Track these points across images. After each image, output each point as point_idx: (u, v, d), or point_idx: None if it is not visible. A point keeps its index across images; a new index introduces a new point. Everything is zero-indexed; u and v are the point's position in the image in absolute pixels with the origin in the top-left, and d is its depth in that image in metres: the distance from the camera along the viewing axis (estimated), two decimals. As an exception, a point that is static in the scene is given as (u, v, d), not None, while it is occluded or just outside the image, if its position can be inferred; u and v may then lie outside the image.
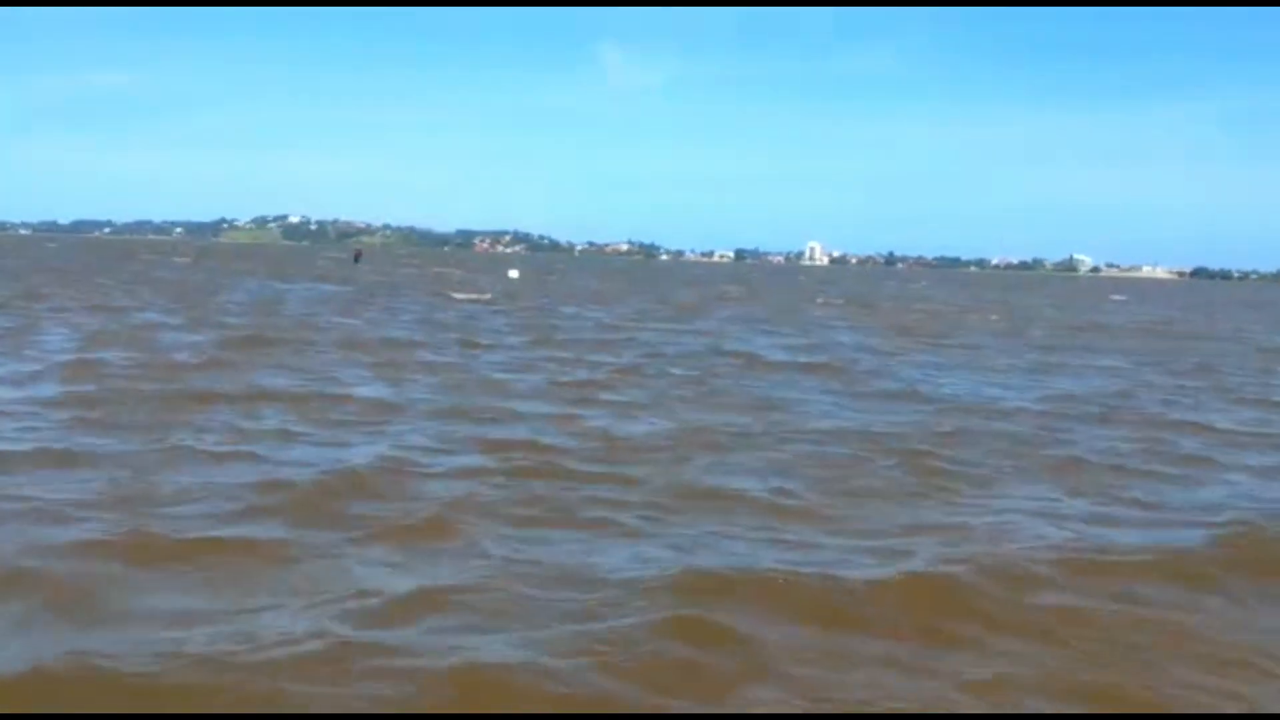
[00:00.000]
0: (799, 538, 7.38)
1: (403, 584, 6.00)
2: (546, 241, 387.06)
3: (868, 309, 45.02)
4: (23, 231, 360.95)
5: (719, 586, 6.03)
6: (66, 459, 8.73)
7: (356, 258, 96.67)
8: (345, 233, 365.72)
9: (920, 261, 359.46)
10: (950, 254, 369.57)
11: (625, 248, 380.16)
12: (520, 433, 10.92)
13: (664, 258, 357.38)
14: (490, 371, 16.33)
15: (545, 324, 27.17)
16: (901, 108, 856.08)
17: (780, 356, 20.67)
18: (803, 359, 20.35)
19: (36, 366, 14.47)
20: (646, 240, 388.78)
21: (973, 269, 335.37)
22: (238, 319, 24.31)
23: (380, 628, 5.34)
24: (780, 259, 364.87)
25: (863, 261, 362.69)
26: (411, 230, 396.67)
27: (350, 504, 7.75)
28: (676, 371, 17.33)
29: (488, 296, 40.65)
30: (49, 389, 12.51)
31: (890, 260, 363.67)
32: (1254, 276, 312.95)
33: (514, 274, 75.68)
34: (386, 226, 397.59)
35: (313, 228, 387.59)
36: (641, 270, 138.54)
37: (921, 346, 24.63)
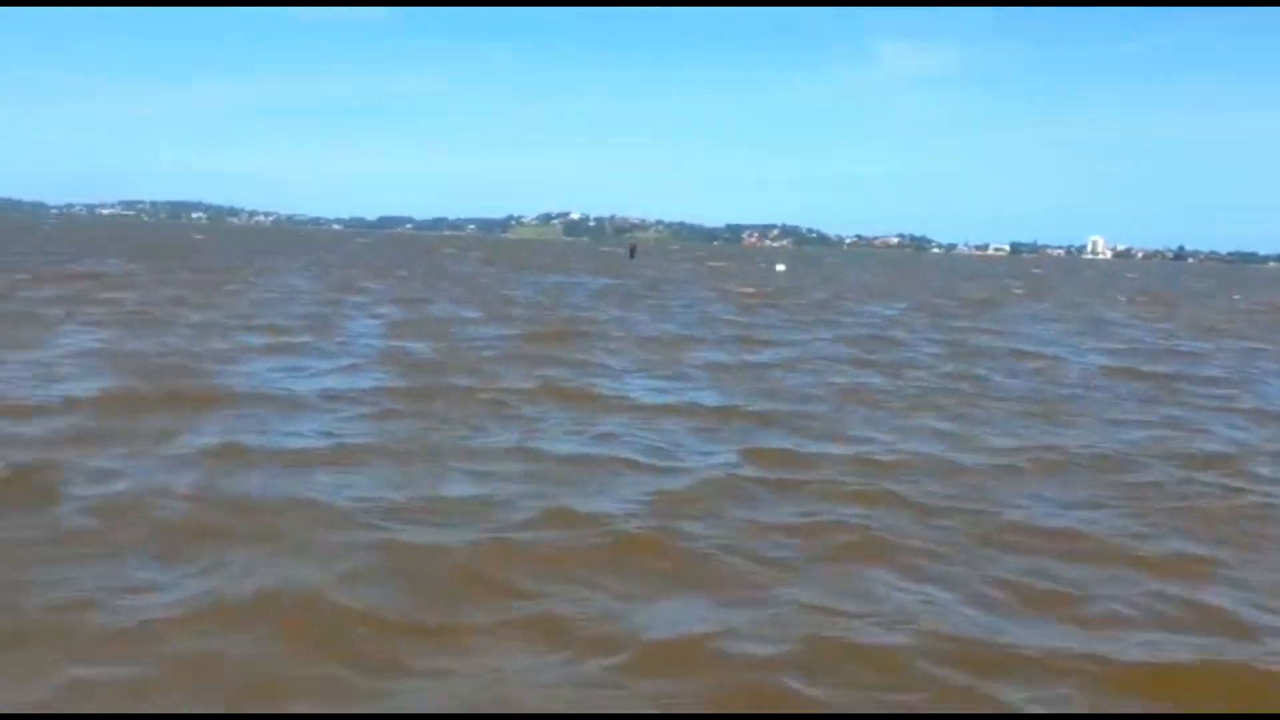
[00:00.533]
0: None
1: None
2: (814, 234, 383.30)
3: (1200, 308, 41.44)
4: (335, 227, 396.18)
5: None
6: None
7: (632, 252, 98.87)
8: (620, 228, 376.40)
9: (1212, 256, 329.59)
10: (1246, 248, 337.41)
11: (895, 241, 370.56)
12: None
13: (935, 251, 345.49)
14: (783, 375, 15.70)
15: (828, 319, 26.64)
16: (1191, 91, 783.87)
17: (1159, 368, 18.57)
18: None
19: (350, 359, 15.63)
20: (917, 233, 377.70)
21: (1272, 265, 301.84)
22: (525, 311, 25.40)
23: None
24: (1060, 252, 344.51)
25: (1149, 256, 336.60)
26: (682, 225, 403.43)
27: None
28: (1010, 384, 15.21)
29: (770, 289, 40.70)
30: (379, 379, 13.46)
31: (1179, 255, 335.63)
32: None
33: (781, 268, 75.20)
34: (659, 222, 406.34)
35: (591, 224, 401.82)
36: (912, 264, 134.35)
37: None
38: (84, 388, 11.31)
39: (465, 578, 5.95)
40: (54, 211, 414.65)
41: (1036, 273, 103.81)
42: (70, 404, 10.37)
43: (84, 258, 44.93)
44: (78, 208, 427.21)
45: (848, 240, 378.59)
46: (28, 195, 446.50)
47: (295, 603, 5.45)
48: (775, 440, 10.29)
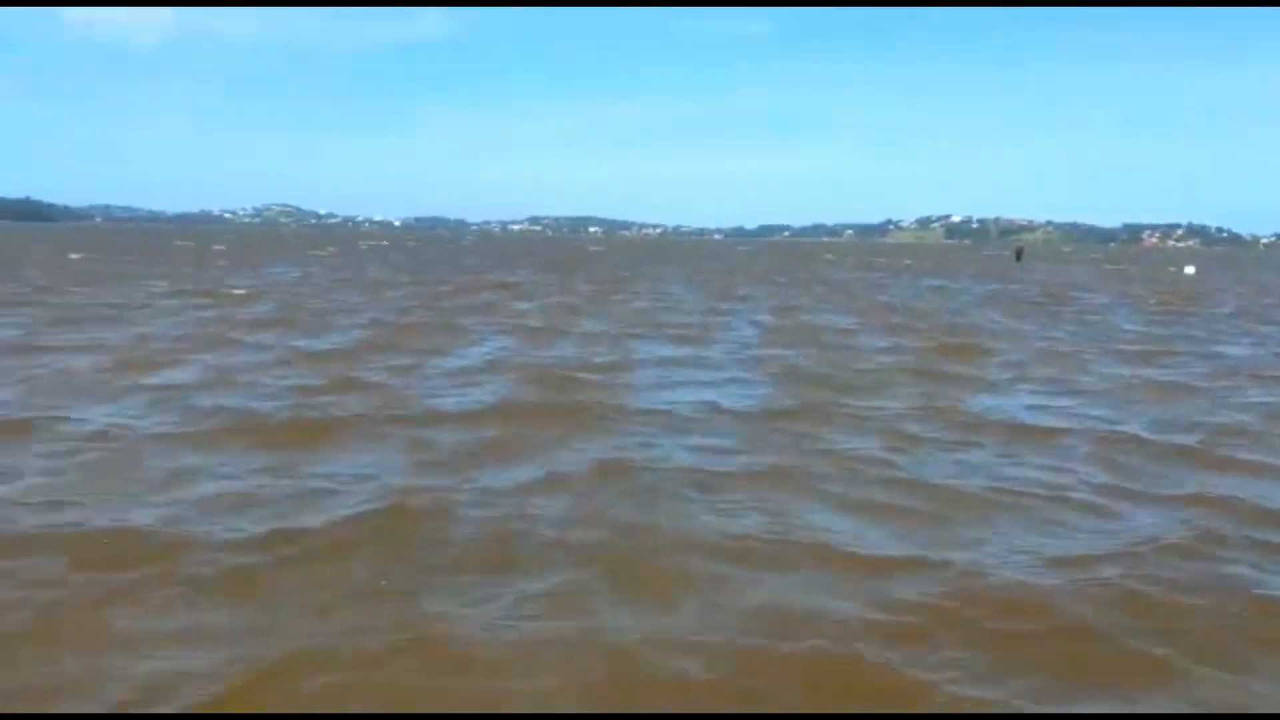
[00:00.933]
0: None
1: None
2: (1224, 234, 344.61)
3: None
4: (717, 237, 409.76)
5: None
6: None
7: (1018, 255, 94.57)
8: (1005, 230, 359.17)
9: None
10: None
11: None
12: None
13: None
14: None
15: None
16: None
17: None
18: None
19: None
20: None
21: None
22: (902, 319, 24.51)
23: None
24: None
25: None
26: (1073, 226, 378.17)
27: None
28: None
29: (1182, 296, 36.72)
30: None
31: None
32: None
33: (1190, 270, 69.58)
34: (1048, 223, 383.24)
35: (974, 226, 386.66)
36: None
37: None
38: (485, 394, 12.14)
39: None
40: (472, 227, 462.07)
41: None
42: (472, 412, 11.11)
43: (496, 269, 49.35)
44: (492, 224, 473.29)
45: (1265, 240, 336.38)
46: (452, 213, 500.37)
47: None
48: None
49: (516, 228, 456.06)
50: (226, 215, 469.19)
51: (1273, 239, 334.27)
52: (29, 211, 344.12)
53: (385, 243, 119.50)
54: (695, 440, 9.90)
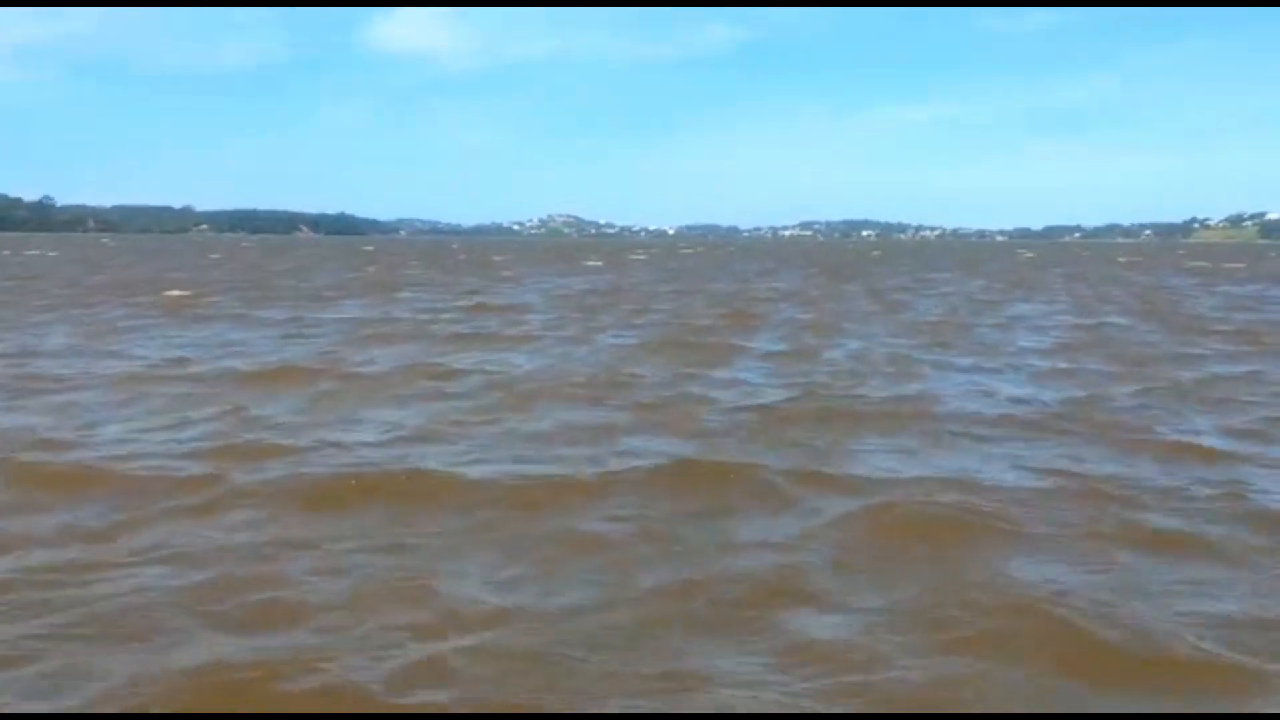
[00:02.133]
0: None
1: None
2: None
3: None
4: (999, 238, 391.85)
5: None
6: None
7: None
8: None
9: None
10: None
11: None
12: None
13: None
14: None
15: None
16: None
17: None
18: None
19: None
20: None
21: None
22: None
23: None
24: None
25: None
26: None
27: None
28: None
29: None
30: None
31: None
32: None
33: None
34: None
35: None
36: None
37: None
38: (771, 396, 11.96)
39: None
40: (744, 234, 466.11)
41: None
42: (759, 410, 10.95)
43: (766, 277, 49.24)
44: (763, 230, 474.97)
45: None
46: (724, 220, 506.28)
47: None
48: None
49: (788, 233, 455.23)
50: (515, 227, 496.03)
51: None
52: (345, 226, 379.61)
53: (644, 255, 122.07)
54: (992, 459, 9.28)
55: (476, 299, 30.29)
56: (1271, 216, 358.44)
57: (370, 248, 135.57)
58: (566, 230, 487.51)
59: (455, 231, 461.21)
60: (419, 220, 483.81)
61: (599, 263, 69.43)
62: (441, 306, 27.50)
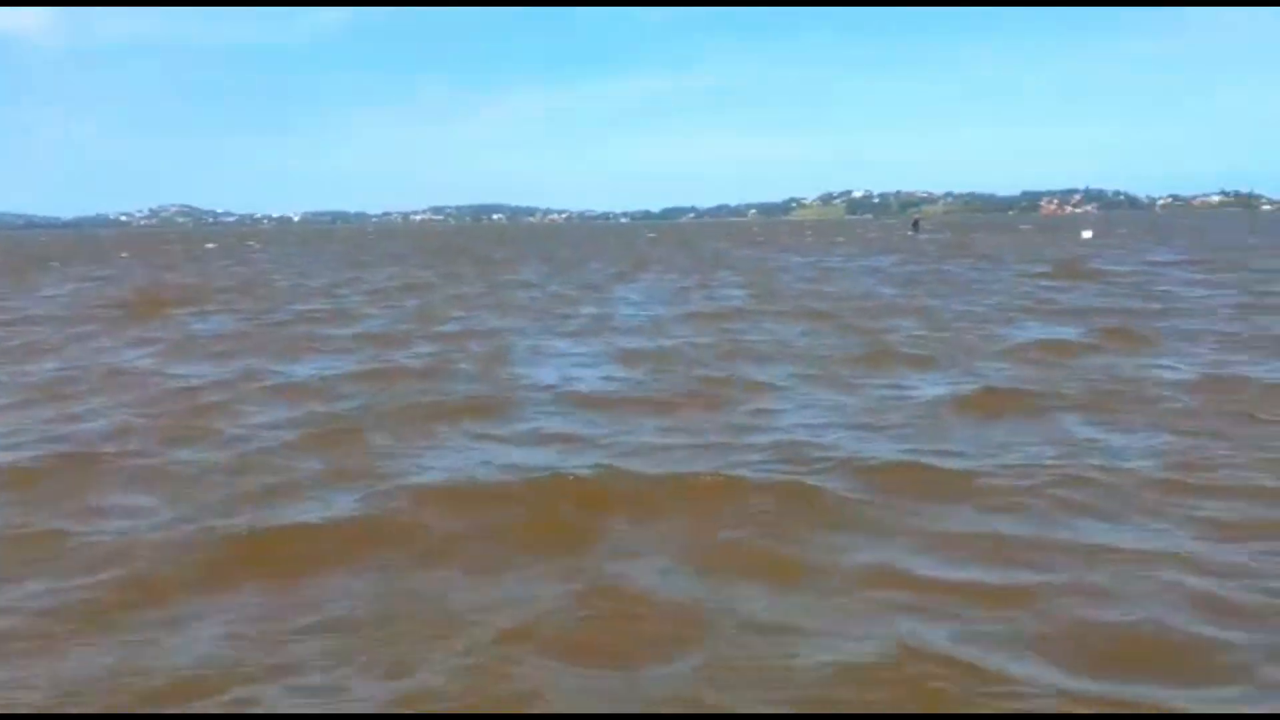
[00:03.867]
0: None
1: None
2: (1121, 198, 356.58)
3: None
4: (623, 220, 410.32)
5: None
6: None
7: (915, 227, 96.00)
8: (907, 203, 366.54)
9: None
10: None
11: (1216, 199, 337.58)
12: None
13: (1266, 208, 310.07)
14: None
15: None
16: None
17: None
18: None
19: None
20: (1243, 189, 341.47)
21: None
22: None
23: None
24: None
25: None
26: (972, 196, 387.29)
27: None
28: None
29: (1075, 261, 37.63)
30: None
31: None
32: None
33: (1087, 235, 70.77)
34: (948, 194, 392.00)
35: (875, 201, 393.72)
36: (1251, 222, 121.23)
37: None
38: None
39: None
40: (374, 219, 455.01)
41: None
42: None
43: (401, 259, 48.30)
44: (394, 215, 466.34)
45: (1160, 201, 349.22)
46: (352, 206, 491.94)
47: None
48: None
49: (419, 218, 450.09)
50: (122, 218, 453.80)
51: (1168, 200, 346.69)
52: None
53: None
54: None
55: None
56: (855, 194, 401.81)
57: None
58: (181, 220, 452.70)
59: (52, 225, 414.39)
60: (10, 214, 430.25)
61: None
62: None
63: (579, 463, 7.59)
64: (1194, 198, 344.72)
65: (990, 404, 9.76)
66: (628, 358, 13.49)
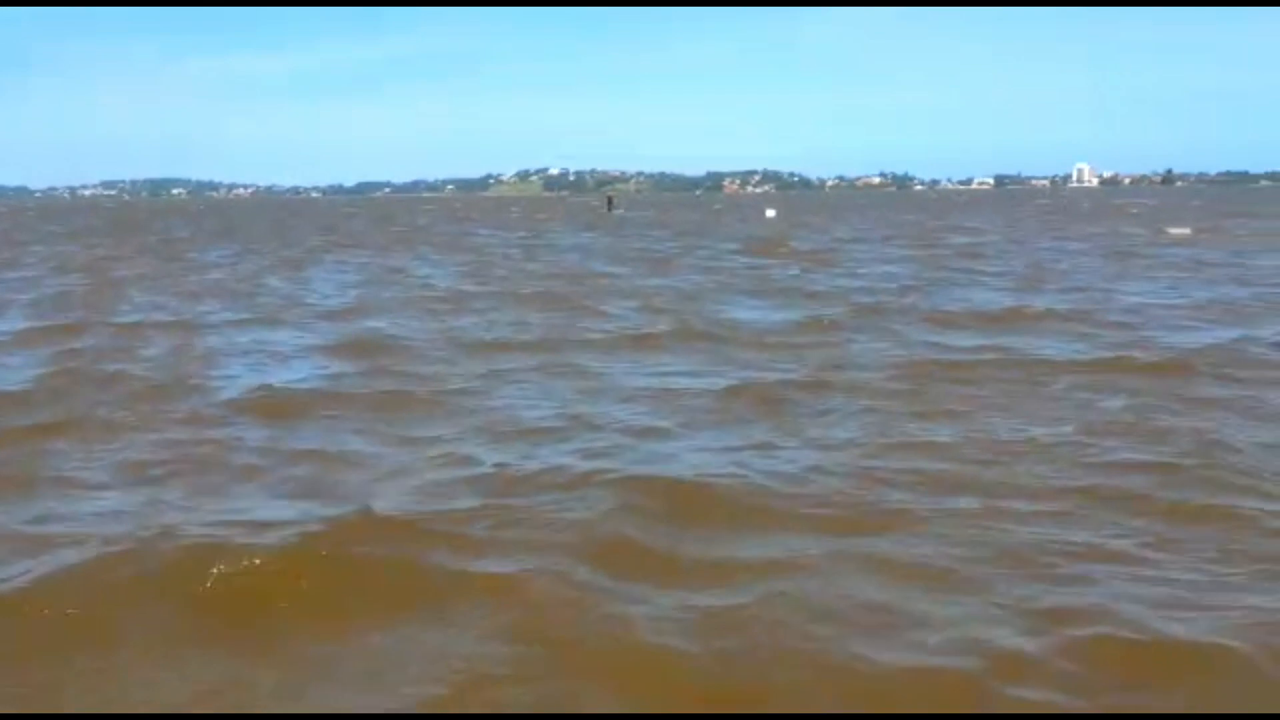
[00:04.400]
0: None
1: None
2: (796, 178, 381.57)
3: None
4: (314, 195, 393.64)
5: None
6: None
7: (609, 204, 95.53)
8: (601, 181, 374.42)
9: (1202, 179, 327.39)
10: (1238, 168, 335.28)
11: (877, 180, 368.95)
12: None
13: (918, 188, 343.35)
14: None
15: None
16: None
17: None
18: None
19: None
20: (900, 171, 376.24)
21: (1264, 183, 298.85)
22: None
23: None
24: (1044, 183, 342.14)
25: (1136, 181, 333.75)
26: (663, 175, 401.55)
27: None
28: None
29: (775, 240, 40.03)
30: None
31: (1168, 178, 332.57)
32: None
33: (771, 213, 73.74)
34: (640, 173, 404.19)
35: (571, 178, 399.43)
36: (903, 202, 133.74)
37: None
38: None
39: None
40: (37, 195, 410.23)
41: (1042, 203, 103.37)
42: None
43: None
44: (60, 190, 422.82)
45: (830, 182, 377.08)
46: (11, 180, 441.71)
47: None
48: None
49: (89, 193, 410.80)
50: None
51: (836, 180, 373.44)
52: None
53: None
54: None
55: None
56: (553, 171, 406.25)
57: None
58: None
59: None
60: None
61: None
62: None
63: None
64: (858, 179, 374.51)
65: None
66: (332, 350, 12.72)
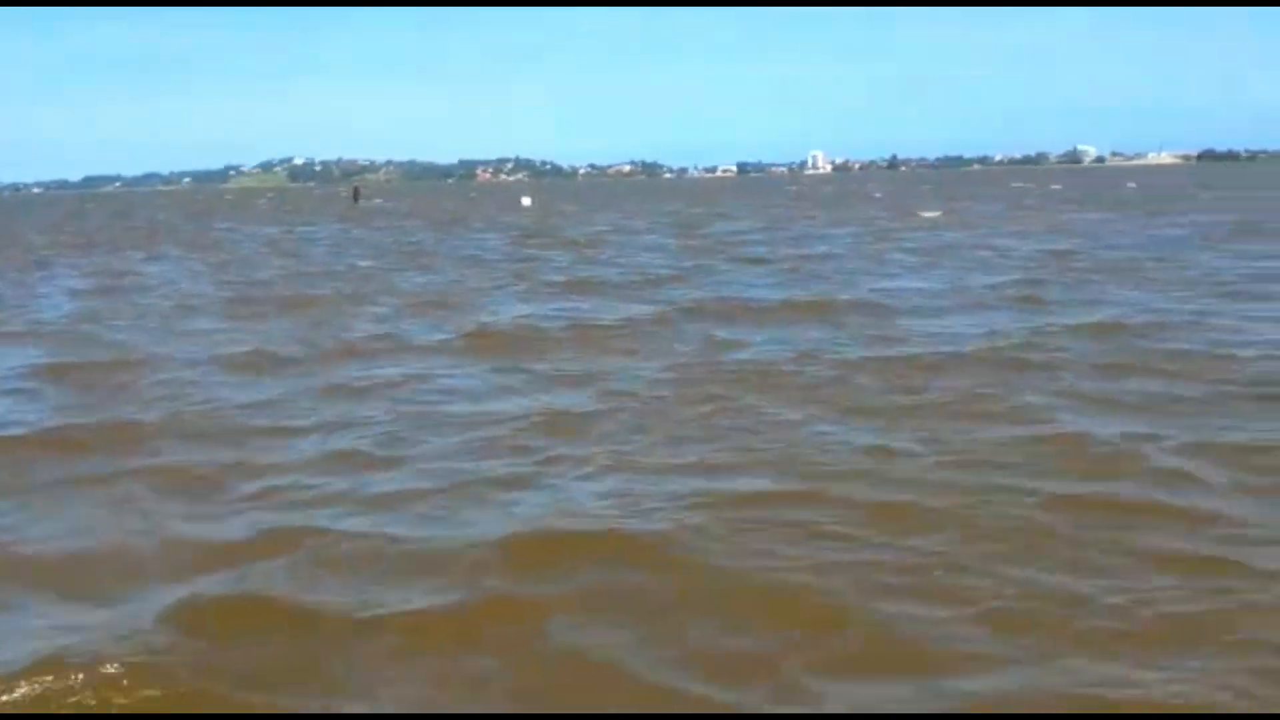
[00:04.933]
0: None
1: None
2: (549, 167, 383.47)
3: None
4: (35, 190, 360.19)
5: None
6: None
7: (355, 195, 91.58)
8: (349, 171, 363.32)
9: (923, 163, 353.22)
10: (953, 153, 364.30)
11: (628, 168, 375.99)
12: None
13: (667, 176, 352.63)
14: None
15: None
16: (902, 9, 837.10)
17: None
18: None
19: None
20: (649, 159, 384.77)
21: (976, 167, 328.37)
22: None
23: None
24: (784, 170, 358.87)
25: (865, 166, 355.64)
26: (413, 164, 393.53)
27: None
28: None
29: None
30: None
31: (893, 163, 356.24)
32: (1262, 156, 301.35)
33: (527, 201, 73.90)
34: (389, 163, 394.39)
35: (317, 169, 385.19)
36: (654, 189, 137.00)
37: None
38: None
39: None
40: None
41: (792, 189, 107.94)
42: None
43: None
44: None
45: (582, 170, 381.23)
46: None
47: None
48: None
49: None
50: None
51: (588, 168, 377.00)
52: None
53: None
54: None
55: None
56: (298, 161, 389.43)
57: None
58: None
59: None
60: None
61: None
62: None
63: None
64: (609, 167, 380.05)
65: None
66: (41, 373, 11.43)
